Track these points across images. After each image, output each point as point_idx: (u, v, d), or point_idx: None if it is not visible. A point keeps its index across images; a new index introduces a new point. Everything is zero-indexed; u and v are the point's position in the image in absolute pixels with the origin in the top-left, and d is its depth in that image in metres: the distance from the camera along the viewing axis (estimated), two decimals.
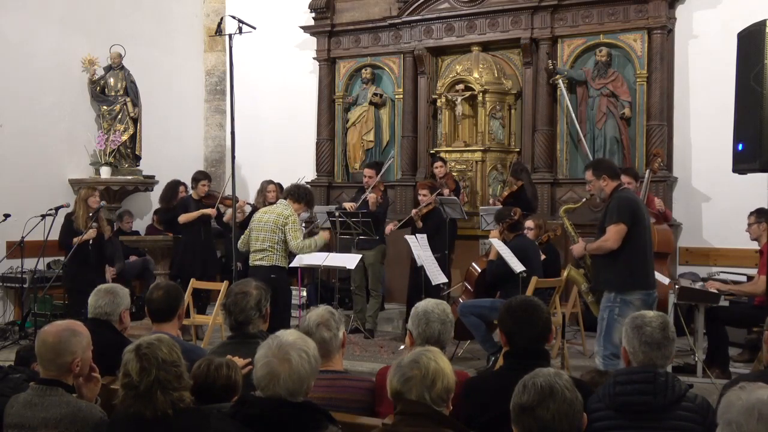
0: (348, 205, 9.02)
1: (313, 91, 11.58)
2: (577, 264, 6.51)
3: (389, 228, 8.99)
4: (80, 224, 8.35)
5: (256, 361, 2.75)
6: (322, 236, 7.11)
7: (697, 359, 6.69)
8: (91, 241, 8.32)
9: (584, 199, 6.34)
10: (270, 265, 6.65)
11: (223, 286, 7.56)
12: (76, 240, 8.23)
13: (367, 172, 9.22)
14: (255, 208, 9.26)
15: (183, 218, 8.94)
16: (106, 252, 8.82)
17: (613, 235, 5.54)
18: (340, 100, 11.40)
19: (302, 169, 10.95)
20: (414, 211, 8.84)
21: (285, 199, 7.00)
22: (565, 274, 6.35)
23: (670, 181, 9.23)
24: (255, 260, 6.77)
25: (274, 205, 7.05)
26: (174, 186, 9.99)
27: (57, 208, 8.46)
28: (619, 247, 5.55)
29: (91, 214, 8.41)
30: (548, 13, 9.81)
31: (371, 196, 8.88)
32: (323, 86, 11.43)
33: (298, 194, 6.97)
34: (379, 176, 9.19)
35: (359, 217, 8.47)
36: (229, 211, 8.42)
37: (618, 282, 5.59)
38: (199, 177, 9.23)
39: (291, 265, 7.45)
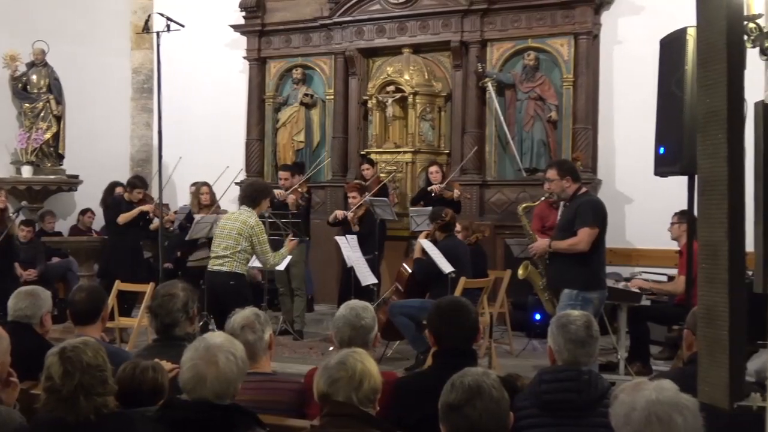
0: (277, 192, 8.90)
1: (243, 90, 11.48)
2: (533, 262, 6.60)
3: (345, 214, 8.98)
4: None
5: (182, 364, 2.71)
6: (288, 247, 7.00)
7: (619, 357, 6.84)
8: None
9: (543, 198, 6.43)
10: (229, 272, 6.51)
11: (149, 288, 7.42)
12: None
13: (282, 174, 9.21)
14: (190, 214, 9.12)
15: (123, 218, 8.80)
16: (15, 253, 8.62)
17: (587, 237, 5.74)
18: (271, 100, 11.32)
19: (232, 170, 10.85)
20: (350, 215, 8.80)
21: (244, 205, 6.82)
22: (520, 271, 6.42)
23: (595, 183, 9.40)
24: (214, 265, 6.59)
25: (239, 212, 6.74)
26: (111, 188, 9.77)
27: None
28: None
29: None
30: (478, 17, 9.92)
31: (291, 198, 8.83)
32: (253, 86, 11.34)
33: (253, 198, 6.69)
34: (303, 177, 9.19)
35: (289, 217, 8.41)
36: (157, 219, 8.30)
37: (582, 281, 5.79)
38: (136, 183, 9.06)
39: None
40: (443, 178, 9.27)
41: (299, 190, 9.02)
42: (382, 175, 9.88)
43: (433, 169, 9.37)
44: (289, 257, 7.28)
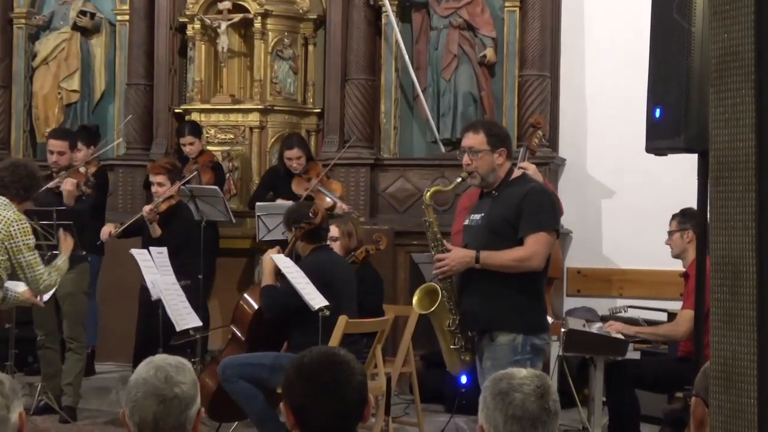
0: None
1: None
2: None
3: (106, 231, 8.85)
4: None
5: None
6: (64, 252, 7.05)
7: None
8: None
9: (458, 180, 6.24)
10: None
11: None
12: None
13: (55, 144, 8.99)
14: None
15: None
16: None
17: (543, 248, 5.66)
18: (23, 21, 11.18)
19: None
20: (147, 207, 8.73)
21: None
22: (416, 299, 6.33)
23: (555, 164, 9.57)
24: None
25: None
26: None
27: None
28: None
29: None
30: None
31: (69, 184, 8.66)
32: None
33: (18, 188, 6.69)
34: (92, 153, 9.06)
35: (53, 218, 8.23)
36: None
37: (529, 320, 5.74)
38: None
39: None
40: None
41: (82, 171, 8.89)
42: (212, 149, 9.84)
43: (293, 153, 9.37)
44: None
